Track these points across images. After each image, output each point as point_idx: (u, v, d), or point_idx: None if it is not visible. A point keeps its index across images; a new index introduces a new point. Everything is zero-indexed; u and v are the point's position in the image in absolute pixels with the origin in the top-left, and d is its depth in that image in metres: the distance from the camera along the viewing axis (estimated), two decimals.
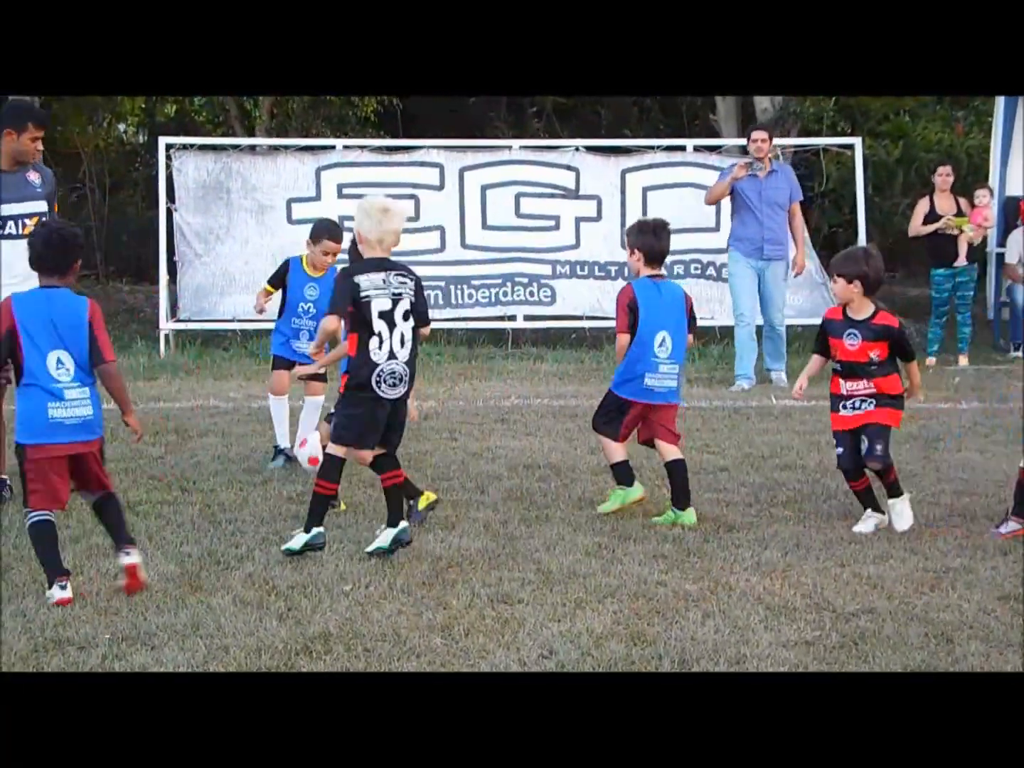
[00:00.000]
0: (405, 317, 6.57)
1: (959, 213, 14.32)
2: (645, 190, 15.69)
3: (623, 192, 15.84)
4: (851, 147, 16.74)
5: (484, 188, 15.85)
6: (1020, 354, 14.64)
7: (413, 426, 9.95)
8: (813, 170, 18.82)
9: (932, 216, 14.55)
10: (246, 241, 15.66)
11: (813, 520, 7.36)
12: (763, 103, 18.62)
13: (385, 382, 6.47)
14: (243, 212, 15.75)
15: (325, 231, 8.57)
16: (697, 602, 5.85)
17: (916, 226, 14.78)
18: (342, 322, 6.63)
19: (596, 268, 15.66)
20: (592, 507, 7.55)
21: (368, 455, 6.67)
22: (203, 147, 16.38)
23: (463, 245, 15.74)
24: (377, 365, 6.46)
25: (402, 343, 6.55)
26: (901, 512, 7.20)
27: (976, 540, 6.93)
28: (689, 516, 7.29)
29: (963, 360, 14.19)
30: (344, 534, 6.88)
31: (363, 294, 6.47)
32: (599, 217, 15.90)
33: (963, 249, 14.19)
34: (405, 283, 6.61)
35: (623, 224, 15.77)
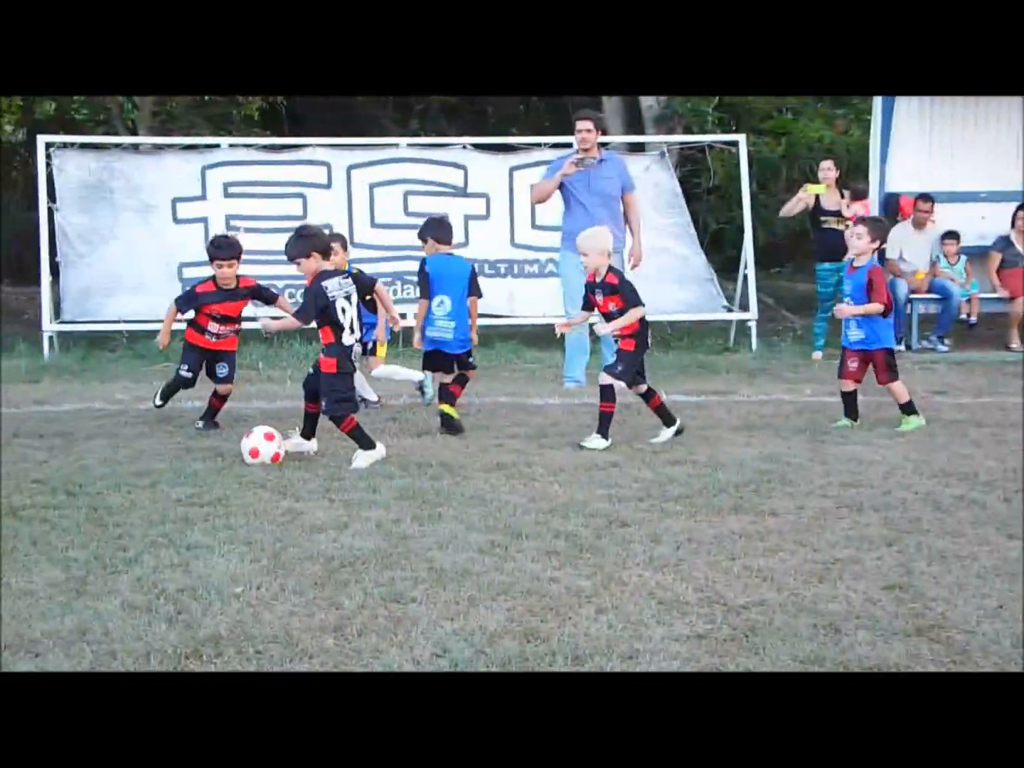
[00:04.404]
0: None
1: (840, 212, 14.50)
2: (533, 187, 15.67)
3: (511, 190, 15.84)
4: (735, 144, 16.89)
5: (372, 186, 15.78)
6: (902, 347, 14.85)
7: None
8: (700, 167, 18.99)
9: (818, 210, 14.75)
10: (131, 241, 15.42)
11: (704, 514, 7.40)
12: (648, 100, 18.71)
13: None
14: (127, 212, 15.54)
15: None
16: (590, 598, 5.85)
17: (787, 207, 15.09)
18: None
19: (486, 266, 15.56)
20: (484, 504, 7.54)
21: None
22: (84, 146, 16.13)
23: (352, 243, 15.63)
24: None
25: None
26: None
27: (862, 531, 7.01)
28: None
29: None
30: (235, 535, 6.81)
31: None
32: (488, 215, 15.87)
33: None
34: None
35: (512, 221, 15.79)
